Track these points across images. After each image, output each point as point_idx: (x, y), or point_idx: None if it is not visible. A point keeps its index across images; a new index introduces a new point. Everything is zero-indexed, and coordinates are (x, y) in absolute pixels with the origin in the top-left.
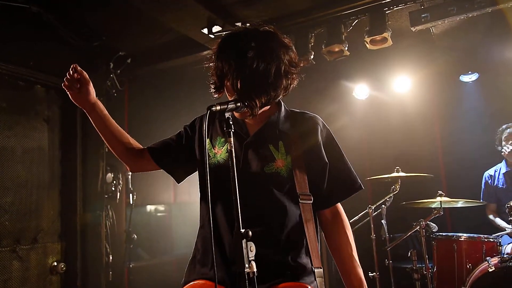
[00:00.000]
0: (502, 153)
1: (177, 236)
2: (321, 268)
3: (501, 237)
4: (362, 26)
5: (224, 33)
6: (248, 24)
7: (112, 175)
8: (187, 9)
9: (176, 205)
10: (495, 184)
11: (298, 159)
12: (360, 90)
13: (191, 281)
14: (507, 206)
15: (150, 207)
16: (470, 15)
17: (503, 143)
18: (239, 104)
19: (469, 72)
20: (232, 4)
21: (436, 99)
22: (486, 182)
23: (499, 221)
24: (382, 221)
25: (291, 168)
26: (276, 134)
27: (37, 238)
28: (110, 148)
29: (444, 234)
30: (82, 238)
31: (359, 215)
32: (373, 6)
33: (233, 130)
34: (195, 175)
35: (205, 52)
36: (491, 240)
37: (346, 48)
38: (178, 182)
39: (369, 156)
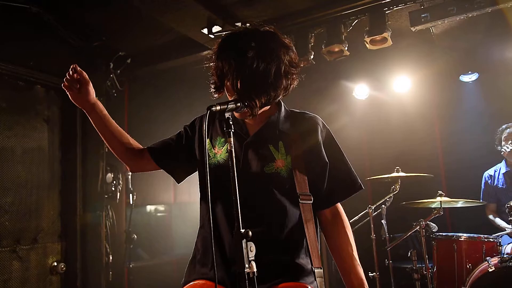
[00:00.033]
0: (502, 153)
1: (177, 236)
2: (321, 268)
3: (501, 237)
4: (362, 26)
5: (224, 33)
6: (248, 24)
7: (112, 175)
8: (187, 9)
9: (176, 205)
10: (495, 184)
11: (298, 159)
12: (360, 90)
13: (191, 281)
14: (507, 206)
15: (150, 207)
16: (470, 15)
17: (503, 143)
18: (239, 104)
19: (469, 72)
20: (232, 4)
21: (436, 99)
22: (486, 182)
23: (499, 221)
24: (382, 221)
25: (291, 168)
26: (276, 134)
27: (37, 238)
28: (110, 148)
29: (444, 234)
30: (82, 238)
31: (359, 215)
32: (373, 6)
33: (233, 130)
34: (195, 175)
35: (205, 52)
36: (491, 240)
37: (346, 48)
38: (178, 182)
39: (369, 156)
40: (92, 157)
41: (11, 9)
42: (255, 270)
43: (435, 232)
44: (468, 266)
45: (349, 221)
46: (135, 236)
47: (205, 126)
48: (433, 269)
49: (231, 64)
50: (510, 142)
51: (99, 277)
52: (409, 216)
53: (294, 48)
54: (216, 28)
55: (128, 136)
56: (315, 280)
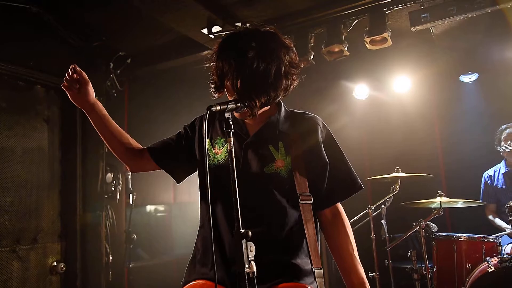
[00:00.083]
0: (501, 153)
1: (177, 236)
2: (321, 268)
3: (500, 237)
4: (362, 26)
5: (224, 33)
6: (248, 24)
7: (112, 175)
8: (187, 9)
9: (176, 205)
10: (494, 184)
11: (298, 159)
12: (360, 90)
13: (191, 281)
14: (507, 207)
15: (150, 207)
16: (470, 15)
17: (502, 143)
18: (239, 104)
19: (469, 72)
20: (232, 4)
21: (436, 99)
22: (485, 182)
23: (498, 222)
24: (382, 221)
25: (291, 169)
26: (276, 135)
27: (37, 238)
28: (110, 148)
29: (444, 234)
30: (82, 238)
31: (359, 215)
32: (373, 6)
33: (233, 130)
34: (195, 175)
35: (205, 52)
36: (491, 240)
37: (346, 48)
38: (178, 182)
39: (369, 156)
40: (92, 157)
41: (11, 9)
42: (255, 270)
43: (435, 232)
44: (468, 266)
45: (349, 221)
46: (135, 236)
47: (205, 126)
48: (433, 269)
49: (231, 64)
50: (509, 142)
51: (99, 277)
52: (409, 216)
53: (294, 48)
54: (216, 28)
55: (128, 136)
56: (315, 280)
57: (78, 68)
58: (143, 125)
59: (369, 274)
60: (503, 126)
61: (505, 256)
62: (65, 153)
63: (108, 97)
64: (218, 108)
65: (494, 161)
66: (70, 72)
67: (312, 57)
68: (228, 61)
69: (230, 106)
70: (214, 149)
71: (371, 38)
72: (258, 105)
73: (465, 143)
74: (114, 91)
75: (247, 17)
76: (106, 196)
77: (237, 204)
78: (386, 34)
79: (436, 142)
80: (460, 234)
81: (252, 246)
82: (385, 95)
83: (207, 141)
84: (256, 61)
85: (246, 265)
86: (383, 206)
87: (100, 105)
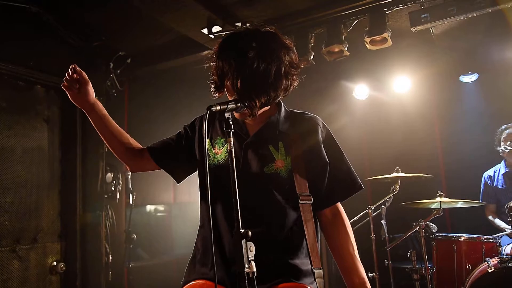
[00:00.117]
0: (501, 154)
1: (177, 236)
2: (320, 268)
3: (500, 237)
4: (362, 27)
5: (224, 33)
6: (249, 24)
7: (112, 175)
8: (187, 9)
9: (176, 205)
10: (494, 184)
11: (298, 159)
12: (360, 90)
13: (191, 281)
14: (507, 207)
15: (150, 207)
16: (470, 16)
17: (502, 143)
18: (239, 104)
19: (469, 72)
20: (232, 4)
21: (436, 99)
22: (485, 182)
23: (498, 222)
24: (382, 221)
25: (290, 169)
26: (276, 135)
27: (36, 238)
28: (110, 148)
29: (443, 234)
30: (82, 238)
31: (358, 216)
32: (373, 6)
33: (233, 130)
34: (195, 175)
35: (205, 52)
36: (491, 240)
37: (346, 48)
38: (178, 182)
39: (369, 156)
40: (92, 157)
41: (11, 8)
42: (254, 270)
43: (434, 232)
44: (467, 267)
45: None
46: (135, 236)
47: (205, 126)
48: (433, 270)
49: (232, 64)
50: (509, 142)
51: (98, 277)
52: (408, 217)
53: (294, 49)
54: (216, 28)
55: (128, 136)
56: (315, 280)
57: (78, 68)
58: (143, 125)
59: (369, 274)
60: (503, 127)
61: (505, 256)
62: (65, 153)
63: (108, 97)
64: (218, 108)
65: (494, 161)
66: (70, 72)
67: (312, 57)
68: (228, 61)
69: (230, 106)
70: (214, 149)
71: (371, 38)
72: (258, 105)
73: (465, 143)
74: (114, 91)
75: (247, 17)
76: (106, 196)
77: (237, 204)
78: (386, 34)
79: (436, 142)
80: (460, 235)
81: (252, 246)
82: (385, 95)
83: (207, 141)
84: (256, 61)
85: (246, 265)
86: (383, 206)
87: (100, 105)
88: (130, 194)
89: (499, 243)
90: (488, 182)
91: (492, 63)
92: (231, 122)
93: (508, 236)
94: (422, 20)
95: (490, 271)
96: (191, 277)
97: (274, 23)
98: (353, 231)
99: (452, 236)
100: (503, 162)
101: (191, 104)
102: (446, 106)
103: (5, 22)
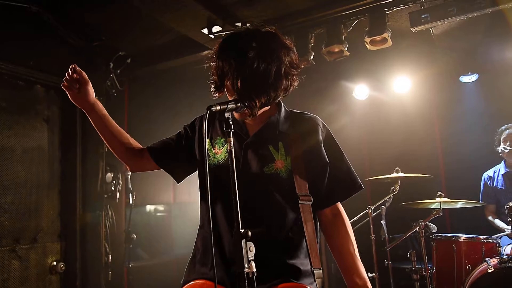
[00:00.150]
0: (501, 154)
1: (176, 236)
2: (320, 269)
3: (500, 238)
4: (362, 27)
5: (224, 33)
6: (249, 25)
7: (112, 175)
8: (187, 9)
9: (176, 205)
10: (494, 185)
11: (298, 159)
12: (360, 91)
13: (191, 281)
14: (506, 207)
15: (149, 207)
16: (470, 16)
17: (502, 143)
18: (239, 104)
19: (469, 72)
20: (232, 4)
21: (436, 99)
22: (485, 183)
23: (498, 222)
24: (382, 221)
25: (290, 169)
26: (275, 135)
27: (36, 238)
28: (109, 148)
29: (443, 234)
30: (82, 238)
31: (358, 216)
32: (373, 6)
33: (232, 130)
34: (195, 175)
35: (205, 52)
36: (491, 241)
37: (346, 49)
38: (178, 182)
39: (369, 157)
40: (91, 157)
41: (11, 8)
42: (254, 270)
43: (434, 232)
44: (467, 267)
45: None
46: (135, 236)
47: (205, 126)
48: (433, 270)
49: (232, 64)
50: (508, 143)
51: (98, 276)
52: (408, 217)
53: (294, 49)
54: (216, 28)
55: (128, 136)
56: (315, 281)
57: (78, 68)
58: (143, 125)
59: (369, 274)
60: (503, 127)
61: (504, 256)
62: (65, 153)
63: (108, 97)
64: (218, 108)
65: (494, 161)
66: (70, 72)
67: (312, 57)
68: (228, 61)
69: (230, 106)
70: (214, 149)
71: (371, 38)
72: (258, 105)
73: (465, 143)
74: (114, 91)
75: (247, 17)
76: (106, 195)
77: (237, 204)
78: (386, 35)
79: (436, 142)
80: (459, 235)
81: (251, 246)
82: (385, 95)
83: (207, 141)
84: (257, 61)
85: (246, 265)
86: (382, 206)
87: (100, 105)
88: (130, 194)
89: (499, 243)
90: (488, 182)
91: (492, 63)
92: (231, 122)
93: (508, 236)
94: (422, 20)
95: (489, 271)
96: (191, 277)
97: (274, 23)
98: (353, 231)
99: (452, 236)
100: (503, 162)
101: (191, 104)
102: (446, 106)
103: (5, 22)
